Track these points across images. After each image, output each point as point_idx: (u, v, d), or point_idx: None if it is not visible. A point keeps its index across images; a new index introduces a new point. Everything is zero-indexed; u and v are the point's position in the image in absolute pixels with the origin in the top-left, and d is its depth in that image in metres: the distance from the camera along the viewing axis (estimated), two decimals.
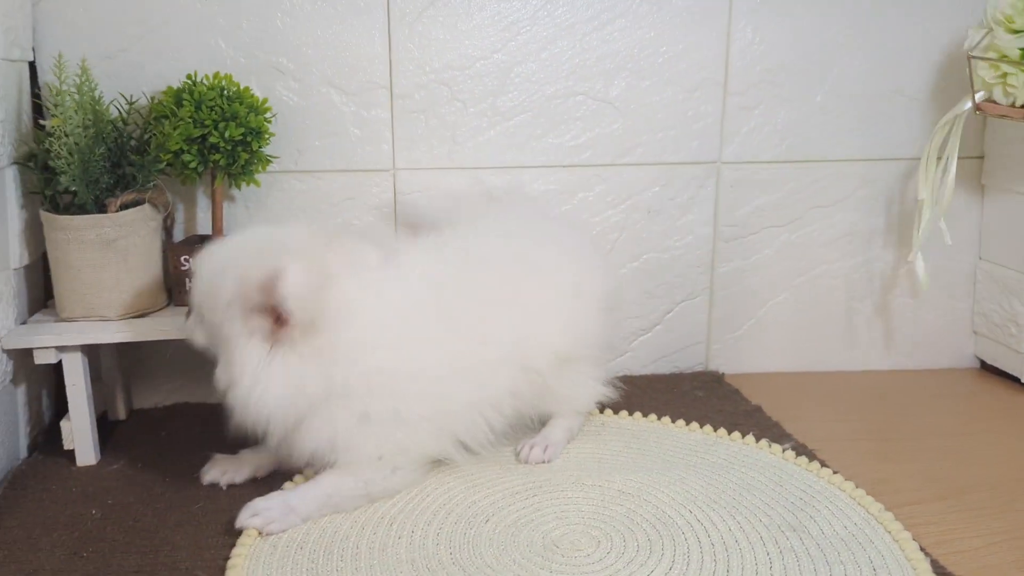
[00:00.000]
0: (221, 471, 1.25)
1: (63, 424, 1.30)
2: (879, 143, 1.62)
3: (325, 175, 1.51)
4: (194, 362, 1.52)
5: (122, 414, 1.48)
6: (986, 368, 1.71)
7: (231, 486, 1.24)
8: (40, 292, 1.43)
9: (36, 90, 1.40)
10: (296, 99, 1.48)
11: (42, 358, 1.26)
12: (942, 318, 1.71)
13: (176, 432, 1.43)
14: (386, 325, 1.14)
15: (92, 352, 1.36)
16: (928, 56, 1.60)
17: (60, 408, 1.47)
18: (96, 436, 1.31)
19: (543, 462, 1.27)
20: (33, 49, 1.39)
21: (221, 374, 1.12)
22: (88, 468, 1.29)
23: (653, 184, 1.59)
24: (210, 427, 1.44)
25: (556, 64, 1.53)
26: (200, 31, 1.44)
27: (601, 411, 1.43)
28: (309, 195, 1.51)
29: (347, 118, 1.50)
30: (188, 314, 1.19)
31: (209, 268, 1.13)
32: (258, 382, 1.09)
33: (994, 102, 1.43)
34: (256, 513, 1.10)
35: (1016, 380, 1.62)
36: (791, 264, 1.65)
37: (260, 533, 1.08)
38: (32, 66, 1.40)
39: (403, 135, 1.52)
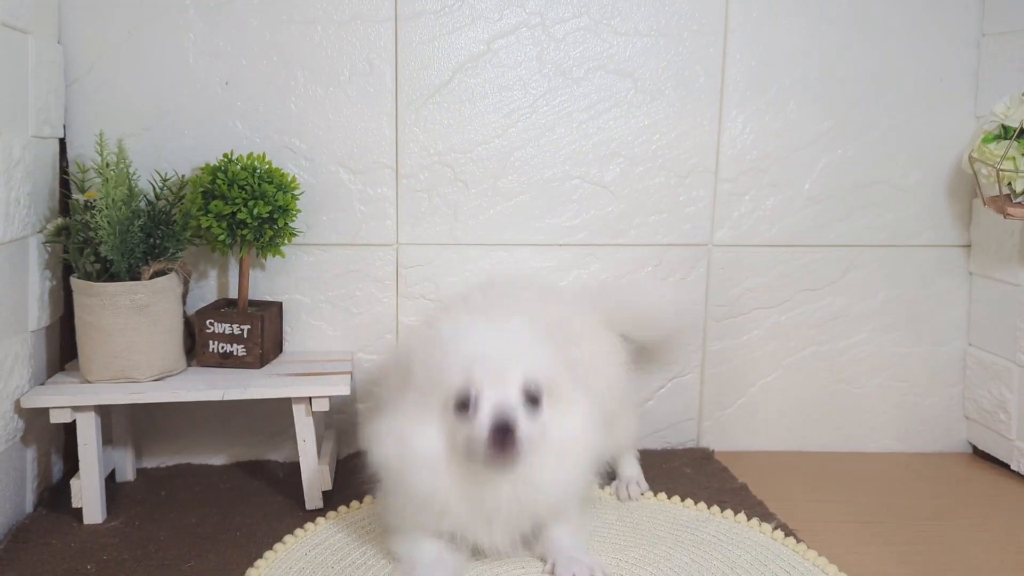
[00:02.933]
0: None
1: (73, 482, 1.36)
2: (865, 230, 1.67)
3: (331, 248, 1.59)
4: (197, 424, 1.59)
5: (130, 474, 1.53)
6: (978, 453, 1.72)
7: (223, 548, 1.28)
8: (56, 353, 1.51)
9: (64, 164, 1.50)
10: (307, 177, 1.57)
11: (58, 417, 1.32)
12: (934, 402, 1.73)
13: (176, 492, 1.48)
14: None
15: (104, 412, 1.42)
16: (910, 148, 1.66)
17: (68, 466, 1.53)
18: (104, 495, 1.37)
19: (643, 495, 1.42)
20: (64, 126, 1.50)
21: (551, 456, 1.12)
22: (91, 526, 1.34)
23: (646, 264, 1.65)
24: (209, 488, 1.49)
25: (554, 149, 1.61)
26: (219, 113, 1.54)
27: (601, 488, 1.45)
28: (316, 267, 1.59)
29: (354, 195, 1.58)
30: (500, 416, 1.07)
31: (544, 348, 1.14)
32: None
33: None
34: None
35: (1006, 466, 1.63)
36: (781, 344, 1.69)
37: None
38: (62, 142, 1.50)
39: (407, 212, 1.60)
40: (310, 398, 1.39)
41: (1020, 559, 1.29)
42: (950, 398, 1.73)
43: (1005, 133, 1.47)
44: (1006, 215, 1.46)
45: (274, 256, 1.50)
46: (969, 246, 1.69)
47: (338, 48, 1.55)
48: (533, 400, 1.09)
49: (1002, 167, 1.45)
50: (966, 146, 1.57)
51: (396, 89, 1.57)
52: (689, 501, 1.41)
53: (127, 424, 1.51)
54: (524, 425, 1.06)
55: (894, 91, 1.64)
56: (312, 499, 1.41)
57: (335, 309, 1.60)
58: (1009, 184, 1.46)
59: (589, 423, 1.15)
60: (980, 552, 1.31)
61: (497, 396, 1.06)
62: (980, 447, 1.71)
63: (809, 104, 1.63)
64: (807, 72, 1.62)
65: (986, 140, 1.49)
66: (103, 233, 1.32)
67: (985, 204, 1.53)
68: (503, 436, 1.04)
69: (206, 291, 1.58)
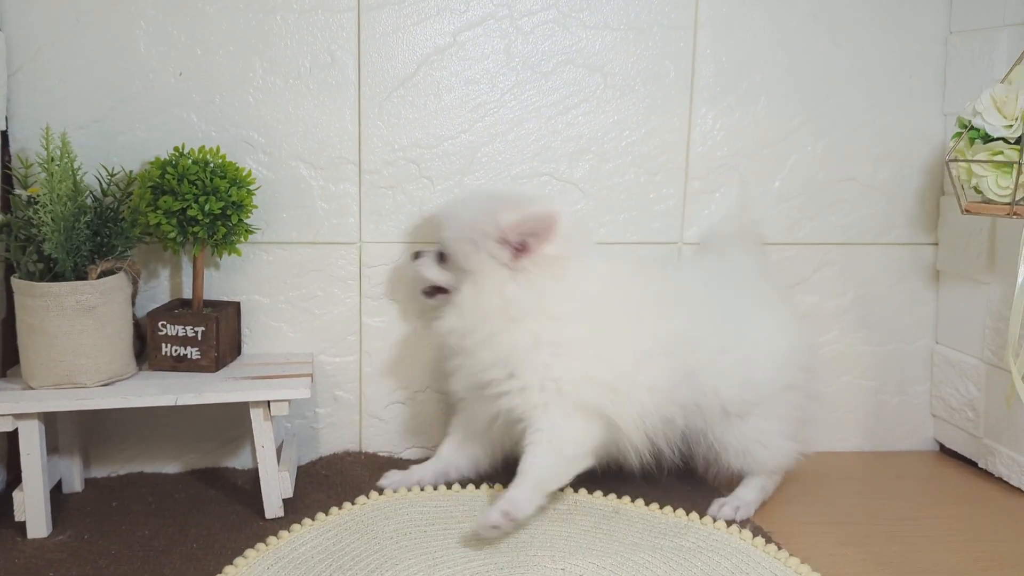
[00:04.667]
0: (389, 482, 1.44)
1: (15, 494, 1.28)
2: (835, 228, 1.66)
3: (291, 246, 1.53)
4: (149, 430, 1.52)
5: (78, 485, 1.45)
6: (944, 451, 1.72)
7: (179, 561, 1.22)
8: None
9: (6, 158, 1.42)
10: (265, 172, 1.50)
11: None
12: (901, 401, 1.73)
13: (128, 503, 1.41)
14: (597, 282, 1.35)
15: (49, 420, 1.35)
16: (879, 146, 1.65)
17: (11, 476, 1.44)
18: (49, 507, 1.29)
19: (734, 520, 1.36)
20: (6, 118, 1.42)
21: (467, 299, 1.33)
22: (36, 540, 1.27)
23: None
24: (162, 498, 1.43)
25: (522, 145, 1.57)
26: (173, 105, 1.47)
27: (575, 490, 1.42)
28: (276, 265, 1.53)
29: (315, 191, 1.53)
30: (416, 256, 1.42)
31: (469, 209, 1.36)
32: (504, 297, 1.30)
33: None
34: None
35: (973, 464, 1.63)
36: None
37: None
38: (3, 135, 1.42)
39: (370, 209, 1.55)
40: (268, 402, 1.33)
41: (994, 557, 1.29)
42: (917, 396, 1.73)
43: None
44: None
45: (230, 254, 1.44)
46: (937, 244, 1.69)
47: (298, 38, 1.49)
48: (441, 257, 1.39)
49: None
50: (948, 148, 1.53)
51: (359, 82, 1.52)
52: (668, 508, 1.38)
53: (74, 432, 1.43)
54: (431, 274, 1.40)
55: (863, 88, 1.63)
56: (272, 508, 1.35)
57: (295, 310, 1.54)
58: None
59: (488, 287, 1.32)
60: (955, 551, 1.31)
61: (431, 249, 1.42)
62: (947, 445, 1.71)
63: (779, 101, 1.62)
64: (777, 68, 1.61)
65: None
66: (47, 230, 1.25)
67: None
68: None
69: (159, 291, 1.51)
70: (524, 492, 1.25)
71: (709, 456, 1.44)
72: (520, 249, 1.30)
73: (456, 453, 1.46)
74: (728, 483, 1.46)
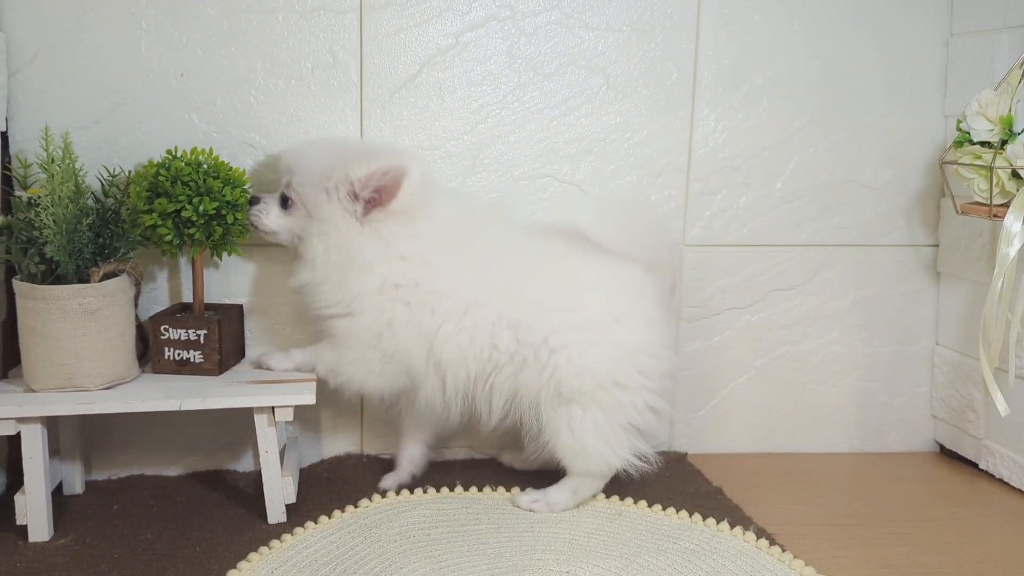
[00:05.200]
0: (387, 484, 1.46)
1: (17, 498, 1.27)
2: (836, 229, 1.66)
3: None
4: (151, 433, 1.51)
5: (79, 488, 1.44)
6: (945, 452, 1.73)
7: (182, 565, 1.21)
8: None
9: (6, 159, 1.41)
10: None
11: (1, 429, 1.23)
12: (902, 402, 1.73)
13: (129, 506, 1.40)
14: (439, 239, 1.33)
15: (52, 423, 1.34)
16: (880, 148, 1.65)
17: (12, 479, 1.44)
18: (51, 511, 1.29)
19: (530, 510, 1.37)
20: (6, 119, 1.41)
21: (317, 246, 1.33)
22: (38, 544, 1.26)
23: None
24: (164, 500, 1.42)
25: (524, 147, 1.57)
26: (174, 106, 1.46)
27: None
28: (278, 267, 1.52)
29: None
30: (253, 202, 1.39)
31: (318, 161, 1.33)
32: (353, 249, 1.31)
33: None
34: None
35: (974, 465, 1.64)
36: (753, 345, 1.68)
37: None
38: (4, 136, 1.41)
39: None
40: (273, 408, 1.32)
41: (995, 559, 1.29)
42: (918, 397, 1.74)
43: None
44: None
45: (230, 255, 1.43)
46: (937, 246, 1.69)
47: (300, 39, 1.48)
48: (284, 201, 1.37)
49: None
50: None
51: (361, 83, 1.51)
52: (671, 509, 1.38)
53: (75, 434, 1.43)
54: (270, 221, 1.38)
55: (865, 90, 1.63)
56: (275, 513, 1.34)
57: (298, 311, 1.54)
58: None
59: (338, 239, 1.31)
60: (957, 553, 1.31)
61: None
62: (947, 446, 1.71)
63: (781, 102, 1.62)
64: (779, 70, 1.61)
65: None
66: (48, 232, 1.24)
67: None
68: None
69: (160, 294, 1.50)
70: (306, 356, 1.41)
71: (531, 431, 1.38)
72: (370, 202, 1.30)
73: (405, 456, 1.51)
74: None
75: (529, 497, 1.39)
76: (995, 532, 1.39)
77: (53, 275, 1.28)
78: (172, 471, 1.54)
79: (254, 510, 1.38)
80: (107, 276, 1.29)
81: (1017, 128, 1.38)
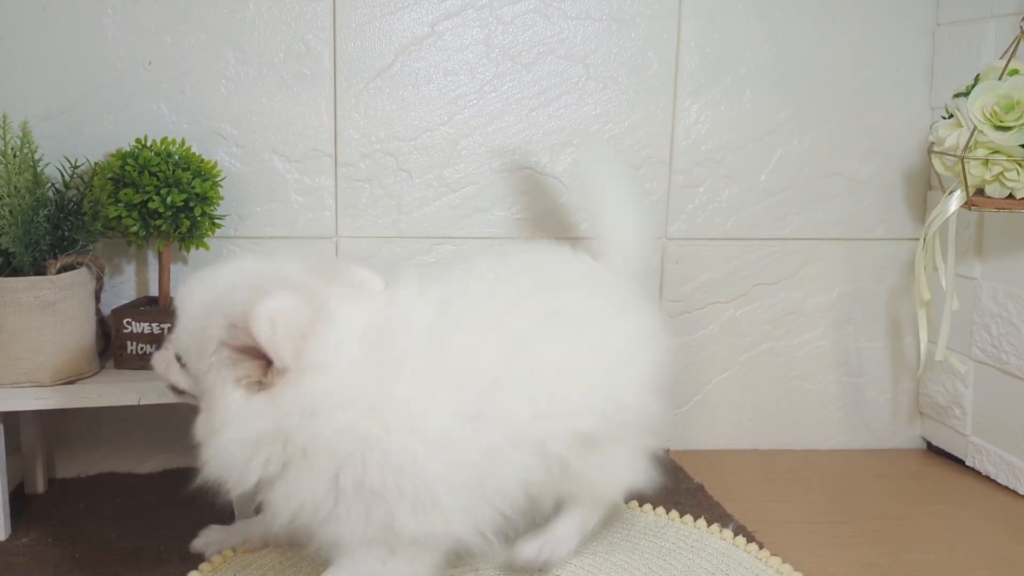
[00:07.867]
0: (206, 542, 1.19)
1: None
2: (821, 223, 1.64)
3: (266, 241, 1.49)
4: (120, 430, 1.48)
5: (40, 486, 1.41)
6: (932, 449, 1.70)
7: (145, 564, 1.18)
8: None
9: None
10: (239, 165, 1.47)
11: None
12: (887, 399, 1.71)
13: (96, 504, 1.37)
14: (367, 377, 0.93)
15: (10, 420, 1.31)
16: (866, 140, 1.62)
17: None
18: (8, 509, 1.25)
19: (538, 569, 1.09)
20: None
21: (202, 425, 0.96)
22: None
23: None
24: (132, 499, 1.39)
25: (503, 138, 1.54)
26: (143, 95, 1.43)
27: None
28: None
29: (290, 185, 1.49)
30: (159, 350, 1.04)
31: (196, 305, 0.96)
32: (228, 427, 0.92)
33: (985, 196, 1.42)
34: None
35: (961, 462, 1.61)
36: (736, 341, 1.65)
37: None
38: None
39: (347, 203, 1.51)
40: None
41: (981, 556, 1.27)
42: (904, 394, 1.71)
43: None
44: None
45: (197, 248, 1.39)
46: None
47: (272, 27, 1.45)
48: (178, 358, 0.99)
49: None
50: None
51: (334, 72, 1.48)
52: (648, 506, 1.35)
53: (36, 431, 1.39)
54: (175, 377, 1.01)
55: (850, 81, 1.60)
56: (244, 510, 1.31)
57: None
58: None
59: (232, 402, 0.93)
60: (942, 550, 1.28)
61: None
62: (934, 443, 1.69)
63: (765, 94, 1.59)
64: (763, 61, 1.58)
65: None
66: (4, 223, 1.21)
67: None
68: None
69: (125, 288, 1.47)
70: None
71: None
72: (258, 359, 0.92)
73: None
74: None
75: (534, 545, 1.11)
76: (981, 530, 1.37)
77: (10, 267, 1.24)
78: (143, 469, 1.50)
79: (224, 508, 1.35)
80: (64, 268, 1.25)
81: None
